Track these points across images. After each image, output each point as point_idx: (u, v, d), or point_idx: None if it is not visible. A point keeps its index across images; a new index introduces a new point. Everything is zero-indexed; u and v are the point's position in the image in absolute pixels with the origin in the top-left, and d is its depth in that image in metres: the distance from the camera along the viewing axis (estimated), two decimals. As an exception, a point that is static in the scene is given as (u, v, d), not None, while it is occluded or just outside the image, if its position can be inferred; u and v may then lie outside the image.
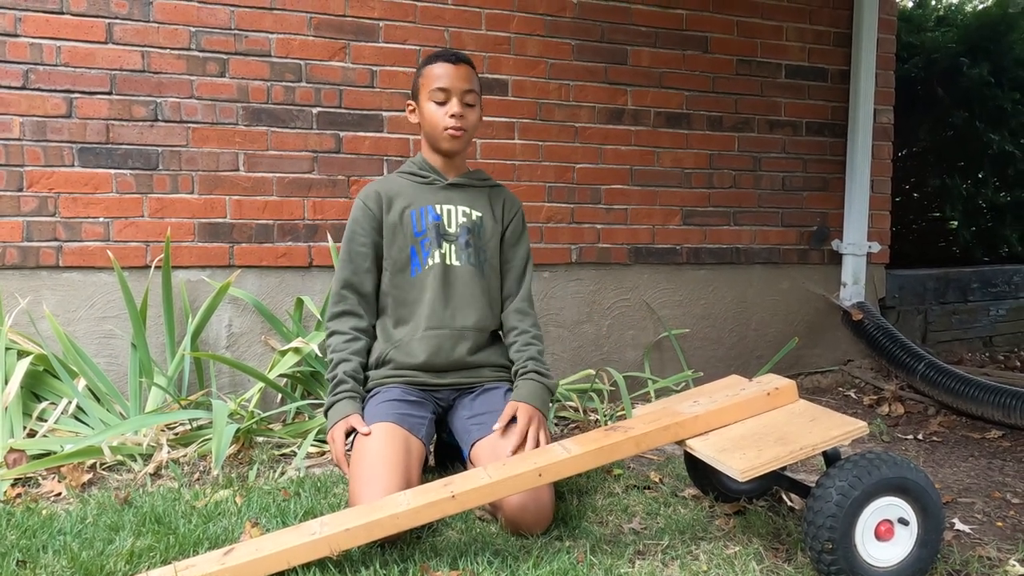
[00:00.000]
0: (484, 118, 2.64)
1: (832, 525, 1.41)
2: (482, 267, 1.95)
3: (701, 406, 1.68)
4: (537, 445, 1.71)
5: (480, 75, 2.31)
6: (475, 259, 1.94)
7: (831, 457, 1.56)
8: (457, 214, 1.94)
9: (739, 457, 1.49)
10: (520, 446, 1.70)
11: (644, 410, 1.79)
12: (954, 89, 4.54)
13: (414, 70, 2.78)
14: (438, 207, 1.93)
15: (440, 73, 1.88)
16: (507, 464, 1.59)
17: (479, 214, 1.96)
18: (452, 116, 1.87)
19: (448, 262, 1.92)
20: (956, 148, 4.74)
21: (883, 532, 1.45)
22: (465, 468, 2.00)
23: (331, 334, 1.93)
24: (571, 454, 1.57)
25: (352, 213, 1.96)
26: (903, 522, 1.46)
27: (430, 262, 1.91)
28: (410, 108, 1.98)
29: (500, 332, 2.05)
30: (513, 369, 1.93)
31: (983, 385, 2.70)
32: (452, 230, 1.93)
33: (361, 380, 1.90)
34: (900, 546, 1.47)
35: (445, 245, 1.92)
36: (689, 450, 1.63)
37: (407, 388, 1.89)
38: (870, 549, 1.45)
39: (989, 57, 4.52)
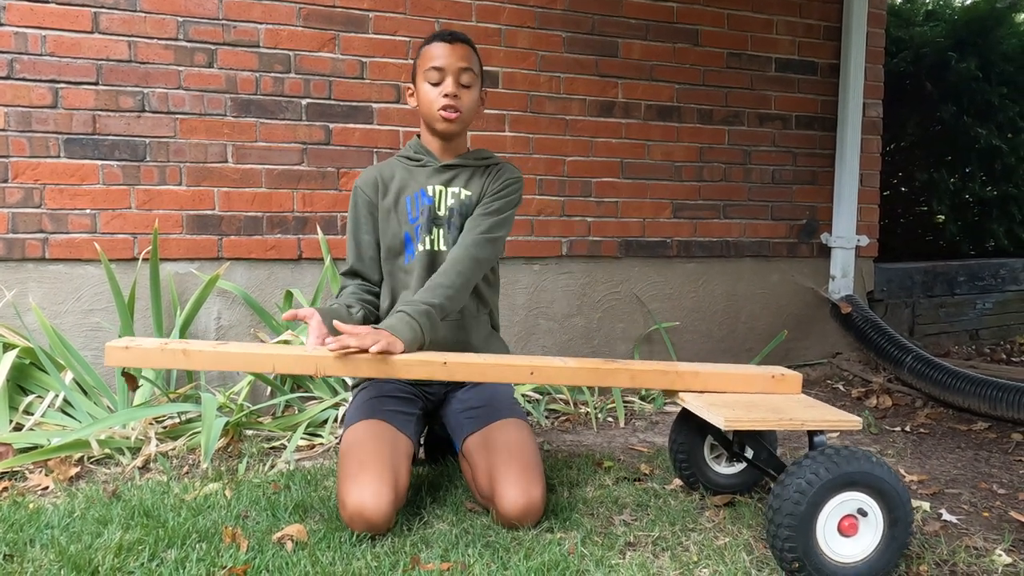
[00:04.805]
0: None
1: (799, 501, 1.40)
2: None
3: (704, 367, 1.72)
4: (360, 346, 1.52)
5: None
6: None
7: (815, 445, 1.57)
8: (447, 196, 1.87)
9: (727, 412, 1.52)
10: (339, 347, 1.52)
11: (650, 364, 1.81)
12: (942, 83, 4.56)
13: (404, 61, 2.78)
14: (430, 189, 1.86)
15: (436, 53, 1.80)
16: (503, 356, 1.68)
17: (468, 193, 1.87)
18: (445, 96, 1.80)
19: (436, 247, 1.86)
20: (944, 142, 4.77)
21: (846, 527, 1.44)
22: (457, 461, 2.00)
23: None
24: (566, 365, 1.63)
25: (351, 200, 1.92)
26: (862, 513, 1.44)
27: (420, 248, 1.85)
28: (409, 92, 1.91)
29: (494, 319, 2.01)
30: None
31: (969, 378, 2.73)
32: (442, 213, 1.86)
33: (348, 307, 1.79)
34: (863, 543, 1.45)
35: (435, 230, 1.86)
36: (680, 401, 1.66)
37: (396, 383, 1.86)
38: (832, 544, 1.44)
39: (977, 52, 4.55)
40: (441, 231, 1.86)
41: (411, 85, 1.90)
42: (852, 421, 1.54)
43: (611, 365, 1.66)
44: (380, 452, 1.65)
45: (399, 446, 1.71)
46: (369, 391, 1.85)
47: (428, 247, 1.86)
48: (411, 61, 2.78)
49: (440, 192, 1.87)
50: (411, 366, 1.57)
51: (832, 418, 1.54)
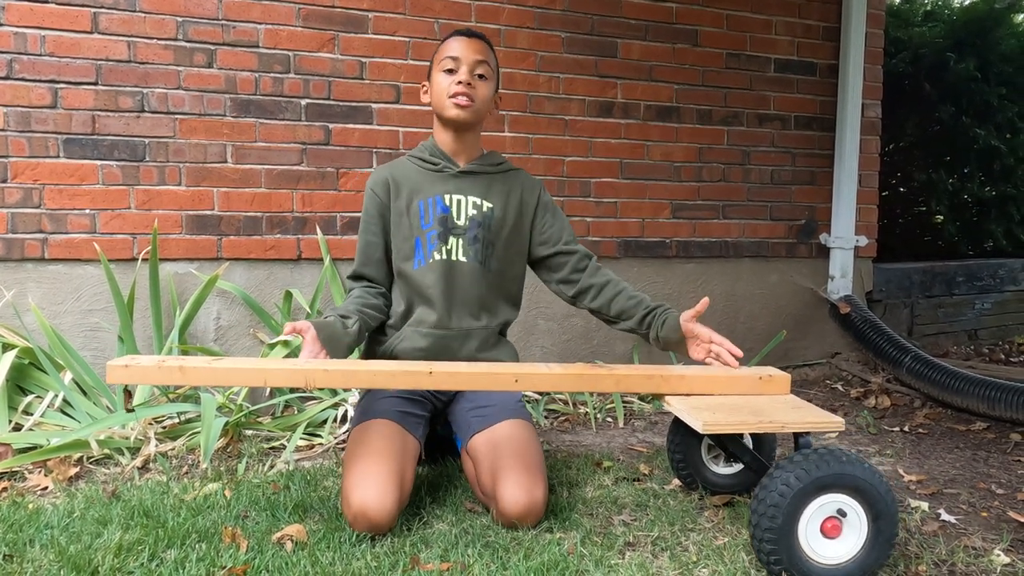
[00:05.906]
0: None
1: (774, 515, 1.40)
2: (488, 263, 1.86)
3: (690, 370, 1.72)
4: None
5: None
6: (482, 254, 1.85)
7: (800, 447, 1.56)
8: (467, 205, 1.85)
9: (707, 415, 1.51)
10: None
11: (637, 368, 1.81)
12: (941, 84, 4.57)
13: (404, 62, 2.78)
14: (447, 197, 1.84)
15: (453, 46, 1.80)
16: (488, 364, 1.70)
17: (491, 205, 1.86)
18: (459, 83, 1.77)
19: (455, 258, 1.83)
20: (942, 143, 4.78)
21: (829, 529, 1.43)
22: (456, 461, 2.00)
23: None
24: (551, 372, 1.63)
25: (363, 201, 1.91)
26: (842, 513, 1.43)
27: (436, 256, 1.83)
28: (424, 89, 1.89)
29: (507, 327, 2.00)
30: (644, 308, 1.91)
31: (968, 378, 2.73)
32: (461, 223, 1.84)
33: (345, 319, 1.75)
34: (849, 542, 1.45)
35: (452, 240, 1.83)
36: (666, 404, 1.66)
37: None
38: (818, 548, 1.43)
39: (976, 52, 4.56)
40: (460, 241, 1.84)
41: (426, 83, 1.88)
42: (834, 422, 1.53)
43: (595, 371, 1.66)
44: (389, 452, 1.65)
45: (407, 447, 1.71)
46: (380, 390, 1.84)
47: (445, 256, 1.83)
48: (411, 61, 2.79)
49: (459, 202, 1.85)
50: (397, 377, 1.57)
51: (814, 419, 1.53)
